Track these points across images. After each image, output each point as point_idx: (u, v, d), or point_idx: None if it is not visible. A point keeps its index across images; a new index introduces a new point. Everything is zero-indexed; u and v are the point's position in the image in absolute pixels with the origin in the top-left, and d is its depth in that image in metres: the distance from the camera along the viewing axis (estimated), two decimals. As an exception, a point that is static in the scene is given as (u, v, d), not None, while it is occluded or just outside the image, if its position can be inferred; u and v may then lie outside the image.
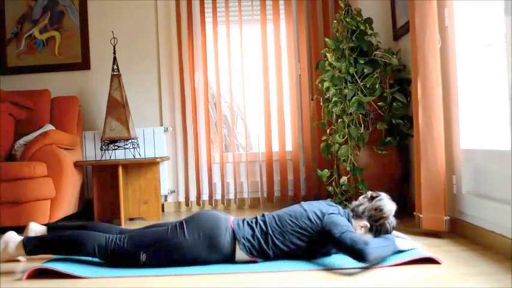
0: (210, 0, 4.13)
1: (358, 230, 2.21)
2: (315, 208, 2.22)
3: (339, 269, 2.04)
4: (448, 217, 2.53)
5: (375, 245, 2.00)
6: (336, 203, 2.32)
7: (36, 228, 2.52)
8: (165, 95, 4.19)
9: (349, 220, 2.22)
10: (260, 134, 4.12)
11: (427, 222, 2.59)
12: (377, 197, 2.26)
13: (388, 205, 2.23)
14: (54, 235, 2.30)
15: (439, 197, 2.55)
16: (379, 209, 2.21)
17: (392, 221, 2.25)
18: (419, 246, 2.25)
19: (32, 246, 2.23)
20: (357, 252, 1.96)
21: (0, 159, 3.54)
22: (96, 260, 2.25)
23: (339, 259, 2.17)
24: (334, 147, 3.37)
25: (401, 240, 2.22)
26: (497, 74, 2.46)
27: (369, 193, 2.30)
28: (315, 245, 2.17)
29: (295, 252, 2.17)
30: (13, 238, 2.27)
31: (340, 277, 1.94)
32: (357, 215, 2.25)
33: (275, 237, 2.16)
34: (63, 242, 2.22)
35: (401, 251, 2.17)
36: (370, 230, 2.21)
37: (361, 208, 2.25)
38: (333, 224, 2.11)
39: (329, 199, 3.19)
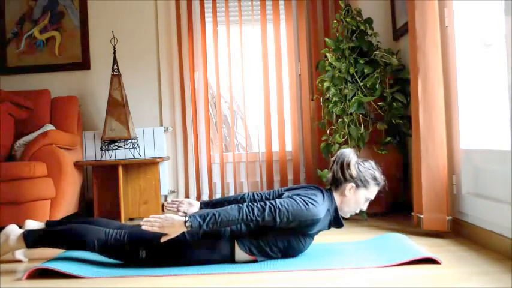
0: (210, 0, 4.13)
1: (348, 195, 2.23)
2: (294, 194, 2.20)
3: (338, 269, 2.04)
4: (450, 217, 2.53)
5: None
6: (321, 188, 2.32)
7: (32, 225, 2.52)
8: (165, 95, 4.18)
9: (332, 200, 2.23)
10: (260, 134, 4.12)
11: (429, 222, 2.59)
12: (336, 157, 2.29)
13: (345, 156, 2.24)
14: (55, 229, 2.30)
15: (441, 197, 2.54)
16: (340, 164, 2.23)
17: (366, 164, 2.27)
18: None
19: (32, 239, 2.23)
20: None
21: (0, 159, 3.54)
22: (96, 259, 2.26)
23: (339, 259, 2.18)
24: (334, 147, 3.37)
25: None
26: (497, 74, 2.46)
27: (331, 159, 2.33)
28: (304, 233, 2.16)
29: (290, 245, 2.16)
30: (14, 231, 2.28)
31: (340, 277, 1.94)
32: (336, 186, 2.26)
33: (269, 232, 2.15)
34: (63, 235, 2.22)
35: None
36: (358, 186, 2.23)
37: (333, 176, 2.26)
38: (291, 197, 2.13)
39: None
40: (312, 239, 2.24)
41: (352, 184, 2.22)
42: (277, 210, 2.03)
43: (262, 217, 2.03)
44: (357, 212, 2.31)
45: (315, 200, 2.11)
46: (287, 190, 2.34)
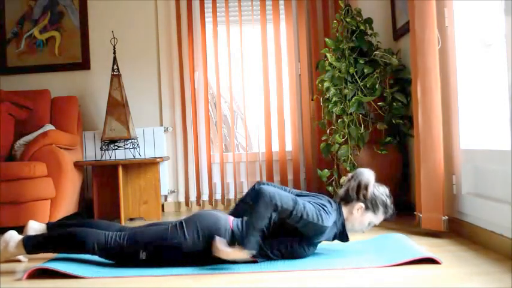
0: (210, 0, 4.13)
1: (355, 214, 2.22)
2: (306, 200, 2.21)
3: (338, 269, 2.04)
4: (447, 217, 2.53)
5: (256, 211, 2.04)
6: (329, 199, 2.31)
7: (35, 227, 2.52)
8: (165, 95, 4.19)
9: (340, 214, 2.22)
10: (260, 134, 4.12)
11: (427, 222, 2.60)
12: (354, 175, 2.27)
13: (364, 176, 2.23)
14: (54, 233, 2.30)
15: (438, 197, 2.55)
16: (358, 185, 2.21)
17: (381, 189, 2.25)
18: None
19: (31, 245, 2.23)
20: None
21: (0, 159, 3.54)
22: (97, 259, 2.25)
23: (339, 259, 2.18)
24: (334, 147, 3.37)
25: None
26: (497, 74, 2.46)
27: (349, 175, 2.31)
28: (308, 241, 2.16)
29: (292, 250, 2.17)
30: (13, 237, 2.27)
31: (340, 277, 1.94)
32: (346, 201, 2.25)
33: (271, 236, 2.15)
34: (62, 240, 2.22)
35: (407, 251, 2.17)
36: (367, 208, 2.22)
37: (346, 193, 2.25)
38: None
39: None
40: (315, 248, 2.24)
41: (362, 205, 2.22)
42: (300, 206, 2.06)
43: (283, 202, 2.04)
44: (357, 232, 2.30)
45: (326, 212, 2.13)
46: (297, 195, 2.33)
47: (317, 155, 3.99)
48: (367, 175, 2.23)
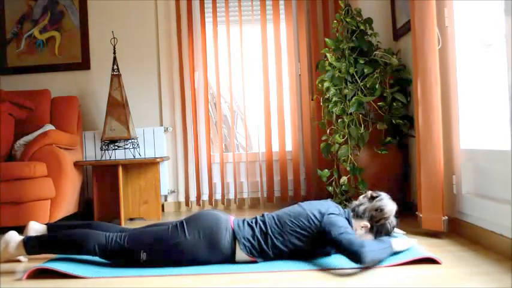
0: (210, 0, 4.13)
1: (358, 230, 2.21)
2: (313, 208, 2.22)
3: (338, 269, 2.04)
4: (446, 217, 2.53)
5: (371, 248, 1.98)
6: (336, 203, 2.32)
7: (36, 227, 2.52)
8: (165, 95, 4.19)
9: (349, 220, 2.23)
10: (260, 134, 4.12)
11: (427, 222, 2.60)
12: (377, 197, 2.26)
13: (388, 205, 2.23)
14: (54, 234, 2.30)
15: (438, 197, 2.55)
16: (379, 210, 2.21)
17: (392, 221, 2.25)
18: (415, 243, 2.28)
19: (32, 245, 2.23)
20: (353, 254, 1.96)
21: (0, 159, 3.54)
22: (97, 260, 2.26)
23: (338, 259, 2.17)
24: (334, 147, 3.37)
25: (398, 240, 2.19)
26: (497, 74, 2.46)
27: (369, 193, 2.30)
28: (315, 245, 2.17)
29: (295, 253, 2.17)
30: (13, 238, 2.28)
31: (340, 277, 1.94)
32: (357, 215, 2.24)
33: (275, 237, 2.16)
34: (63, 241, 2.22)
35: (398, 252, 2.17)
36: (371, 230, 2.21)
37: (361, 208, 2.24)
38: (331, 224, 2.10)
39: (329, 199, 3.18)
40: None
41: (369, 225, 2.21)
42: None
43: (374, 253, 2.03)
44: None
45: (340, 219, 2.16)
46: (297, 204, 2.31)
47: (317, 155, 3.99)
48: (391, 207, 2.23)
